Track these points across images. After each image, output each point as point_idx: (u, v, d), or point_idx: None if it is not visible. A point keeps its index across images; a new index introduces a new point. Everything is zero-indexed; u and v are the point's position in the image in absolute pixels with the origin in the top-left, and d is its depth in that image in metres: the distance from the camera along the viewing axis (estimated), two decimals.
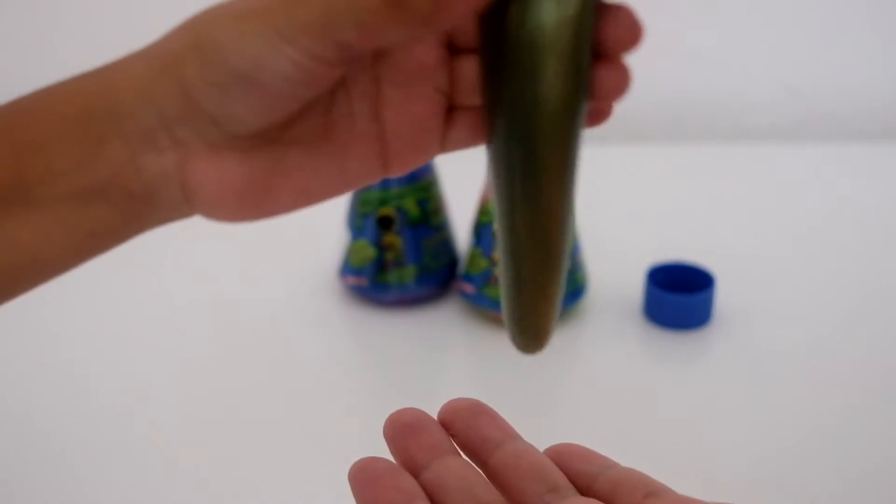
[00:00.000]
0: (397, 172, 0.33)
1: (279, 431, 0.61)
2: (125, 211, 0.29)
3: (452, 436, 0.33)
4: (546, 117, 0.27)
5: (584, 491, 0.32)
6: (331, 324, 0.71)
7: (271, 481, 0.57)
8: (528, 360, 0.66)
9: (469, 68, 0.32)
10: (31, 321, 0.72)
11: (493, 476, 0.32)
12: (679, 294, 0.69)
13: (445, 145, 0.33)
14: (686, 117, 1.04)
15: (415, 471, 0.32)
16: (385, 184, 0.70)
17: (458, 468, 0.32)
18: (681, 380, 0.65)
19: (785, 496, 0.54)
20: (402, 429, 0.33)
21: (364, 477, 0.31)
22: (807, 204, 0.89)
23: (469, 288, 0.70)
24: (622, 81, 0.29)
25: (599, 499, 0.31)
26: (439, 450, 0.32)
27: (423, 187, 0.70)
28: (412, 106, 0.31)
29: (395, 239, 0.70)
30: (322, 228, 0.78)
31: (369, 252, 0.71)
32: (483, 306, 0.69)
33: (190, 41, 0.28)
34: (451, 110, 0.33)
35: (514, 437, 0.34)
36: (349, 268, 0.72)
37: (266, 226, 0.83)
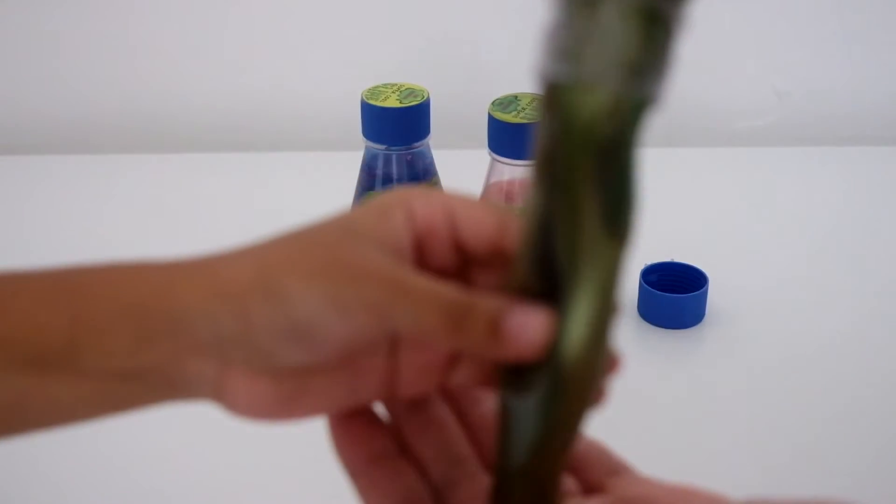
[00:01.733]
0: (401, 398, 0.34)
1: (279, 431, 0.61)
2: (159, 393, 0.31)
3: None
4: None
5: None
6: None
7: (270, 481, 0.58)
8: None
9: None
10: None
11: (471, 431, 0.34)
12: (672, 294, 0.70)
13: (451, 381, 0.34)
14: (678, 122, 1.05)
15: (394, 414, 0.34)
16: (388, 186, 0.71)
17: (438, 419, 0.34)
18: (674, 378, 0.66)
19: (779, 493, 0.55)
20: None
21: (338, 418, 0.33)
22: (798, 205, 0.90)
23: None
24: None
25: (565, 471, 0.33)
26: (421, 402, 0.34)
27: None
28: (426, 351, 0.33)
29: None
30: None
31: None
32: None
33: (259, 280, 0.30)
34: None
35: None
36: None
37: (269, 227, 0.84)
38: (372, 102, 0.68)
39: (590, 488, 0.33)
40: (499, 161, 0.68)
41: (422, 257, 0.33)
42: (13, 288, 0.30)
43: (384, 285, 0.29)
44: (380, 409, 0.34)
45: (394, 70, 0.96)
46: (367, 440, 0.32)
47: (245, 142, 1.02)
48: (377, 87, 0.70)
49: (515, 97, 0.68)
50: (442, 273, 0.33)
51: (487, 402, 0.34)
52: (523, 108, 0.66)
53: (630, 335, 0.70)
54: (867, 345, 0.70)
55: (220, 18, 0.99)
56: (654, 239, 0.82)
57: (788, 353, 0.69)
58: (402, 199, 0.32)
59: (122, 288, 0.30)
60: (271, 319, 0.29)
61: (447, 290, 0.29)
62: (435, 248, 0.33)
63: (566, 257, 0.28)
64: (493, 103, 0.68)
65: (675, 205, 0.90)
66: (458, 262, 0.33)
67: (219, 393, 0.31)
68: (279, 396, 0.31)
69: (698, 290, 0.70)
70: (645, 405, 0.62)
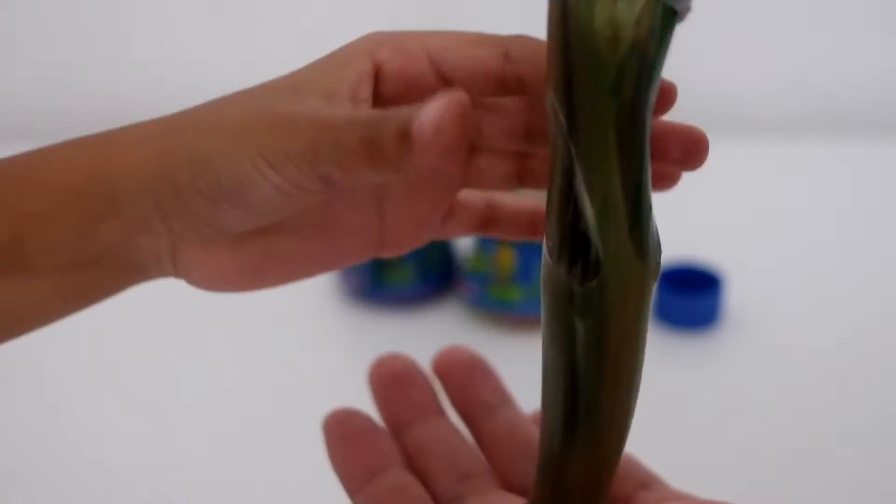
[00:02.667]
0: (390, 255, 0.33)
1: (279, 430, 0.60)
2: (117, 277, 0.30)
3: (445, 391, 0.32)
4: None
5: None
6: (331, 323, 0.71)
7: (270, 481, 0.56)
8: (529, 360, 0.65)
9: (484, 170, 0.32)
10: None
11: (483, 444, 0.31)
12: (688, 294, 0.69)
13: (442, 235, 0.33)
14: (693, 112, 1.04)
15: (397, 429, 0.31)
16: None
17: (443, 432, 0.31)
18: (690, 379, 0.64)
19: (794, 497, 0.53)
20: (388, 380, 0.31)
21: (339, 432, 0.30)
22: (816, 201, 0.88)
23: (469, 288, 0.69)
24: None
25: None
26: (426, 409, 0.31)
27: None
28: (417, 202, 0.32)
29: None
30: None
31: None
32: (483, 306, 0.68)
33: (184, 149, 0.28)
34: (455, 205, 0.33)
35: (509, 401, 0.32)
36: (350, 267, 0.71)
37: None
38: None
39: (619, 502, 0.30)
40: None
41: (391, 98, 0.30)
42: None
43: (309, 129, 0.27)
44: (381, 420, 0.32)
45: None
46: (366, 453, 0.29)
47: None
48: None
49: None
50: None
51: (501, 412, 0.32)
52: None
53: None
54: (890, 346, 0.67)
55: (221, 16, 0.99)
56: (669, 238, 0.81)
57: (806, 355, 0.67)
58: (366, 47, 0.29)
59: (60, 175, 0.29)
60: (198, 183, 0.28)
61: (364, 113, 0.26)
62: (414, 98, 0.30)
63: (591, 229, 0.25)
64: None
65: (690, 202, 0.89)
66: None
67: (178, 268, 0.30)
68: (243, 266, 0.30)
69: (715, 290, 0.69)
70: (660, 407, 0.60)
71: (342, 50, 0.30)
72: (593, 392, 0.26)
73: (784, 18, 1.00)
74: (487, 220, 0.34)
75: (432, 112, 0.24)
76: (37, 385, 0.65)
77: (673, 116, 1.03)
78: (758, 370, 0.65)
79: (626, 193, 0.24)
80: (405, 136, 0.25)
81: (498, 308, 0.67)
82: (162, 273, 0.30)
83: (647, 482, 0.30)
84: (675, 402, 0.61)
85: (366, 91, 0.29)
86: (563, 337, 0.26)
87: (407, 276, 0.70)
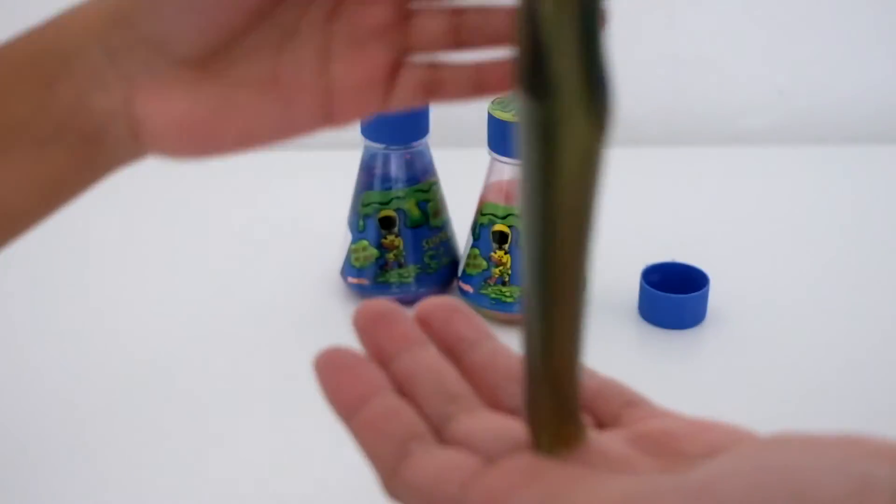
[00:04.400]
0: (339, 125, 0.33)
1: (280, 430, 0.61)
2: (79, 154, 0.30)
3: (428, 332, 0.32)
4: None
5: None
6: (332, 323, 0.71)
7: (271, 479, 0.57)
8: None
9: (423, 28, 0.32)
10: (38, 316, 0.73)
11: (468, 375, 0.32)
12: (674, 294, 0.70)
13: (389, 102, 0.33)
14: (680, 121, 1.05)
15: (384, 361, 0.31)
16: (386, 185, 0.71)
17: (428, 359, 0.31)
18: (676, 378, 0.65)
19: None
20: (372, 319, 0.32)
21: (329, 367, 0.30)
22: (800, 205, 0.89)
23: (468, 288, 0.71)
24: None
25: None
26: (410, 341, 0.32)
27: (423, 189, 0.71)
28: (362, 63, 0.32)
29: (395, 240, 0.71)
30: (323, 229, 0.79)
31: (371, 252, 0.72)
32: (482, 306, 0.70)
33: None
34: (398, 67, 0.33)
35: (490, 336, 0.33)
36: (350, 268, 0.73)
37: (268, 226, 0.84)
38: None
39: (605, 422, 0.31)
40: (499, 160, 0.68)
41: None
42: None
43: None
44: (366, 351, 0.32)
45: None
46: (357, 379, 0.30)
47: None
48: None
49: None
50: None
51: (483, 345, 0.32)
52: None
53: (630, 335, 0.70)
54: (871, 345, 0.69)
55: None
56: (654, 239, 0.82)
57: (789, 354, 0.68)
58: None
59: (16, 50, 0.29)
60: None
61: None
62: None
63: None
64: (492, 102, 0.67)
65: (676, 204, 0.89)
66: None
67: (133, 126, 0.29)
68: (198, 114, 0.30)
69: (699, 290, 0.70)
70: None
71: None
72: (543, 243, 0.26)
73: (769, 28, 1.01)
74: (432, 84, 0.34)
75: None
76: (37, 385, 0.66)
77: (666, 124, 1.05)
78: (742, 369, 0.67)
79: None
80: None
81: (496, 307, 0.70)
82: (121, 140, 0.30)
83: (633, 401, 0.31)
84: (661, 400, 0.61)
85: None
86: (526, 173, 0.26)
87: (407, 276, 0.72)
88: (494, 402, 0.31)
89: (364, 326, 0.32)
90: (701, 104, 1.04)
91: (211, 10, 0.28)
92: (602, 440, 0.29)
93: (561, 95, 0.24)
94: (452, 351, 0.32)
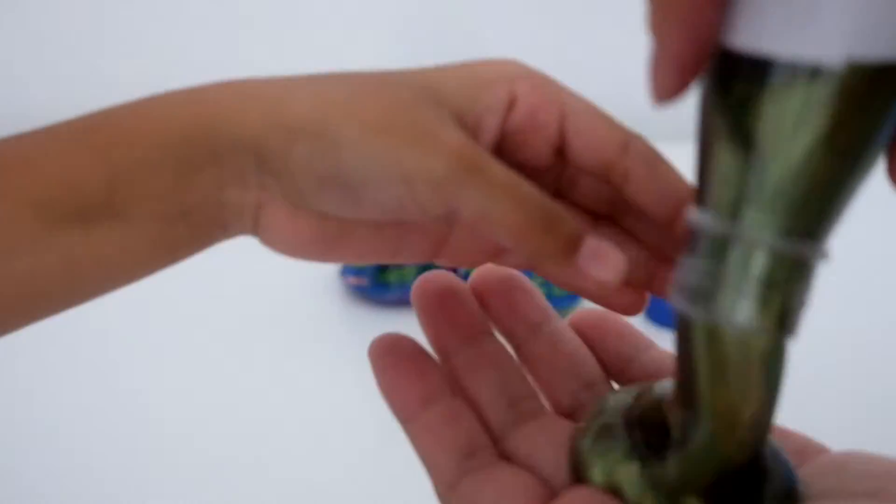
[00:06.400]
0: (443, 264, 0.33)
1: (280, 430, 0.61)
2: (202, 232, 0.30)
3: (485, 309, 0.32)
4: None
5: (616, 376, 0.31)
6: (332, 323, 0.71)
7: (272, 480, 0.57)
8: None
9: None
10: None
11: (529, 364, 0.31)
12: None
13: (501, 260, 0.33)
14: (685, 117, 1.05)
15: (445, 352, 0.30)
16: None
17: (491, 354, 0.30)
18: None
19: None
20: (433, 299, 0.31)
21: (387, 360, 0.29)
22: None
23: None
24: None
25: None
26: (474, 329, 0.31)
27: None
28: (484, 237, 0.31)
29: None
30: None
31: None
32: None
33: (313, 116, 0.27)
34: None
35: (550, 316, 0.32)
36: (350, 268, 0.72)
37: None
38: None
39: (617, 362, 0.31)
40: None
41: (508, 146, 0.29)
42: (45, 142, 0.28)
43: (455, 159, 0.26)
44: (429, 347, 0.31)
45: (391, 66, 0.95)
46: (418, 381, 0.29)
47: None
48: None
49: None
50: (528, 171, 0.30)
51: (544, 329, 0.31)
52: None
53: None
54: (869, 343, 0.69)
55: (215, 16, 0.98)
56: None
57: (793, 352, 0.68)
58: (507, 75, 0.29)
59: (161, 128, 0.28)
60: (316, 163, 0.27)
61: (529, 187, 0.26)
62: (530, 143, 0.29)
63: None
64: None
65: None
66: (550, 164, 0.30)
67: (257, 226, 0.29)
68: (318, 237, 0.30)
69: None
70: None
71: (480, 66, 0.29)
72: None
73: None
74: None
75: (612, 267, 0.26)
76: (36, 387, 0.66)
77: (672, 120, 1.04)
78: None
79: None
80: (573, 245, 0.25)
81: None
82: (242, 230, 0.30)
83: (646, 345, 0.31)
84: None
85: (495, 120, 0.28)
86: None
87: (407, 276, 0.71)
88: (555, 399, 0.30)
89: (425, 307, 0.31)
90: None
91: (365, 213, 0.28)
92: None
93: None
94: (513, 334, 0.31)
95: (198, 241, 0.30)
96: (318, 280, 0.77)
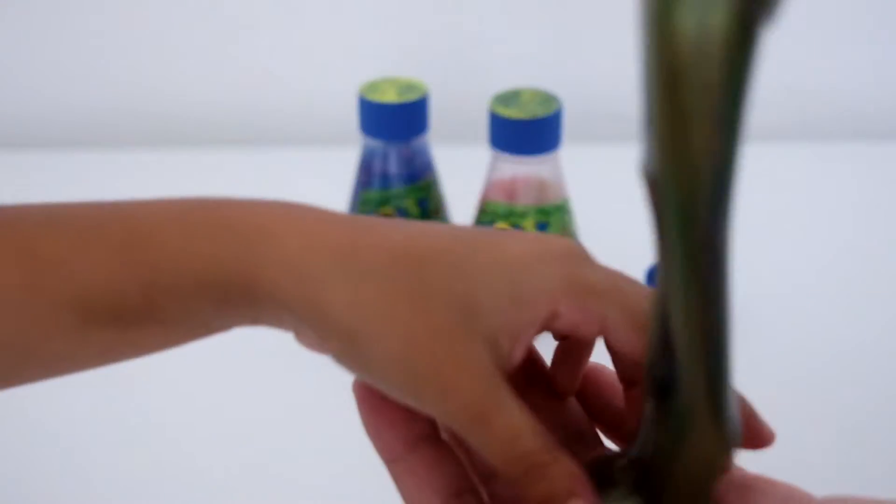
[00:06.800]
0: None
1: (281, 430, 0.61)
2: (240, 324, 0.31)
3: None
4: None
5: (609, 434, 0.33)
6: None
7: (272, 481, 0.57)
8: None
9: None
10: None
11: None
12: None
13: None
14: None
15: None
16: (385, 184, 0.70)
17: None
18: None
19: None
20: None
21: (371, 401, 0.30)
22: (804, 202, 0.89)
23: None
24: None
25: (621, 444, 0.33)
26: None
27: (422, 187, 0.70)
28: None
29: None
30: None
31: None
32: None
33: (345, 328, 0.28)
34: None
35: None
36: None
37: None
38: (370, 97, 0.67)
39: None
40: (501, 158, 0.67)
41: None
42: (81, 245, 0.29)
43: (467, 409, 0.27)
44: None
45: (392, 64, 0.95)
46: (403, 423, 0.29)
47: (240, 137, 1.01)
48: (375, 81, 0.69)
49: (517, 92, 0.67)
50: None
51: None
52: (525, 104, 0.66)
53: None
54: (870, 342, 0.69)
55: (215, 12, 0.98)
56: None
57: (793, 351, 0.68)
58: (549, 289, 0.29)
59: (197, 250, 0.29)
60: (344, 360, 0.28)
61: (527, 439, 0.27)
62: (569, 357, 0.31)
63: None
64: (494, 98, 0.67)
65: None
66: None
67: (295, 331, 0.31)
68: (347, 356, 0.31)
69: None
70: None
71: (523, 273, 0.29)
72: None
73: (778, 25, 1.01)
74: None
75: None
76: (35, 390, 0.66)
77: None
78: (745, 367, 0.66)
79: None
80: (549, 501, 0.26)
81: None
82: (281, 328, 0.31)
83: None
84: None
85: (532, 334, 0.29)
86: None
87: None
88: None
89: None
90: None
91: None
92: None
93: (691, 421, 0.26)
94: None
95: (232, 326, 0.31)
96: None
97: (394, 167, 0.70)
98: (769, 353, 0.68)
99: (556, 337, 0.32)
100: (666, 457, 0.27)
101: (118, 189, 0.89)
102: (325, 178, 0.82)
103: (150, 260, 0.29)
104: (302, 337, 0.30)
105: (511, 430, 0.27)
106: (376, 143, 0.69)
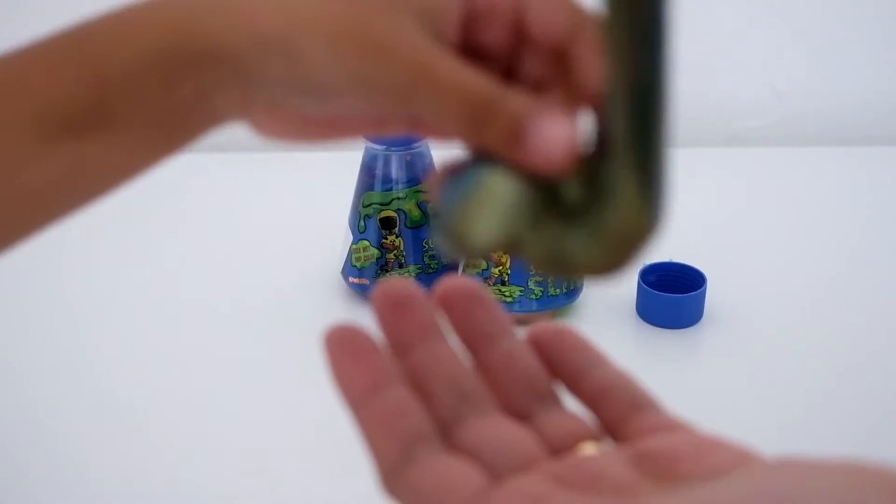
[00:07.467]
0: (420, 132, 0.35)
1: (281, 430, 0.62)
2: (194, 125, 0.32)
3: (448, 320, 0.32)
4: None
5: (571, 387, 0.32)
6: (333, 322, 0.72)
7: (272, 480, 0.58)
8: None
9: None
10: (43, 315, 0.73)
11: (484, 372, 0.31)
12: (671, 293, 0.71)
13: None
14: (678, 122, 1.05)
15: (400, 350, 0.31)
16: (387, 186, 0.71)
17: (445, 353, 0.31)
18: (673, 377, 0.66)
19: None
20: (392, 302, 0.31)
21: (340, 349, 0.30)
22: (796, 205, 0.90)
23: None
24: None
25: (584, 402, 0.31)
26: (429, 331, 0.31)
27: (423, 190, 0.72)
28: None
29: (396, 240, 0.72)
30: (325, 230, 0.79)
31: (371, 253, 0.72)
32: None
33: (280, 31, 0.29)
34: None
35: (510, 332, 0.32)
36: (351, 268, 0.74)
37: (270, 227, 0.85)
38: None
39: (609, 426, 0.30)
40: None
41: (471, 31, 0.31)
42: (39, 58, 0.30)
43: (410, 68, 0.28)
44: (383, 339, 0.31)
45: None
46: (369, 366, 0.29)
47: (243, 141, 1.01)
48: None
49: None
50: (489, 52, 0.32)
51: (502, 342, 0.32)
52: None
53: (628, 335, 0.71)
54: (865, 344, 0.70)
55: None
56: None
57: (786, 353, 0.69)
58: None
59: (144, 37, 0.30)
60: (287, 75, 0.29)
61: (475, 82, 0.28)
62: (490, 26, 0.31)
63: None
64: None
65: (673, 205, 0.89)
66: (512, 44, 0.32)
67: (245, 121, 0.32)
68: (302, 130, 0.32)
69: (697, 290, 0.71)
70: None
71: None
72: None
73: (767, 30, 1.02)
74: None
75: (548, 127, 0.27)
76: (36, 394, 0.67)
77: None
78: (739, 367, 0.67)
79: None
80: (514, 134, 0.27)
81: None
82: (230, 121, 0.32)
83: (640, 404, 0.30)
84: (659, 399, 0.63)
85: (455, 14, 0.30)
86: None
87: (408, 276, 0.72)
88: (507, 405, 0.30)
89: (383, 310, 0.31)
90: (699, 106, 1.04)
91: (338, 113, 0.31)
92: (603, 462, 0.28)
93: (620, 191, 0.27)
94: (471, 344, 0.32)
95: (190, 134, 0.32)
96: (319, 280, 0.77)
97: (395, 171, 0.71)
98: (769, 354, 0.69)
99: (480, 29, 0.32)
100: (599, 202, 0.28)
101: (120, 192, 0.90)
102: (328, 182, 0.84)
103: (97, 52, 0.30)
104: (253, 113, 0.31)
105: (457, 75, 0.28)
106: (378, 148, 0.71)
